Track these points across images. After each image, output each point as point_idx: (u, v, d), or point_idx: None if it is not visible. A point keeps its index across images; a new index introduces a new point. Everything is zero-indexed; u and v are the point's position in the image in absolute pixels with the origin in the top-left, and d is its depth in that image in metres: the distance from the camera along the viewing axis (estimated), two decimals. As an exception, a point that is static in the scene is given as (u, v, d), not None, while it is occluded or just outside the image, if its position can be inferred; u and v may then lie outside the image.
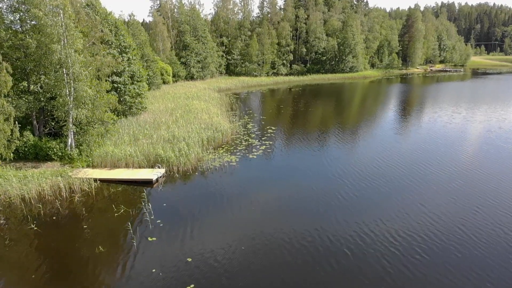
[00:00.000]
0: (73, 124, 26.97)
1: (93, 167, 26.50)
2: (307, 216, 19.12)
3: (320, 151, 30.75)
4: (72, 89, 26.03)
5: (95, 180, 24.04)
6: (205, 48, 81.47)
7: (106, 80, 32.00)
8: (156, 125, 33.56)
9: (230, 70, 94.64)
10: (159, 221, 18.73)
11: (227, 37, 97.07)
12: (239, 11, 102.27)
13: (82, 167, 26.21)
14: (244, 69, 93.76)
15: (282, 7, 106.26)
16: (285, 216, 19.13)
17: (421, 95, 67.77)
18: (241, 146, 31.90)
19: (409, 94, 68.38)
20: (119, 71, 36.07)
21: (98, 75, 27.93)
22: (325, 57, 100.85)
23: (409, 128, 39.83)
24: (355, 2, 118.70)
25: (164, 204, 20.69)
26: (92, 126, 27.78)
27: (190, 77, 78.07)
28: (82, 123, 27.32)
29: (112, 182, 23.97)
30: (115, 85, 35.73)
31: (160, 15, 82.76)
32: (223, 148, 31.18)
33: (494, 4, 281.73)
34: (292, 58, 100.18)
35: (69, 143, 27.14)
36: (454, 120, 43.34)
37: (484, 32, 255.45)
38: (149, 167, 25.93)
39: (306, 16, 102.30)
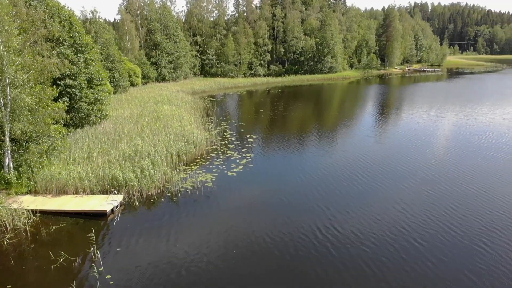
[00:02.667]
0: (11, 140, 21.84)
1: (36, 193, 21.43)
2: (299, 257, 14.87)
3: (306, 164, 26.53)
4: (8, 98, 20.91)
5: (35, 212, 19.06)
6: (177, 48, 76.30)
7: (54, 85, 26.88)
8: (117, 137, 28.55)
9: (205, 71, 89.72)
10: (109, 276, 14.03)
11: (201, 36, 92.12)
12: (214, 9, 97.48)
13: (22, 193, 21.11)
14: (220, 69, 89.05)
15: (258, 5, 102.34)
16: (272, 258, 14.81)
17: (399, 97, 64.96)
18: (218, 160, 27.37)
19: (388, 96, 65.42)
20: (74, 73, 30.86)
21: (42, 80, 22.81)
22: (303, 58, 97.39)
23: (387, 130, 38.41)
24: (333, 1, 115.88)
25: (118, 249, 15.96)
26: (36, 142, 22.66)
27: (162, 78, 72.76)
28: (21, 139, 22.18)
29: (56, 215, 19.05)
30: (69, 89, 30.48)
31: (128, 12, 76.98)
32: (196, 163, 26.57)
33: (466, 4, 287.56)
34: (270, 59, 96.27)
35: (6, 164, 21.93)
36: (429, 121, 42.08)
37: (457, 31, 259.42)
38: (103, 194, 21.08)
39: (283, 15, 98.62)
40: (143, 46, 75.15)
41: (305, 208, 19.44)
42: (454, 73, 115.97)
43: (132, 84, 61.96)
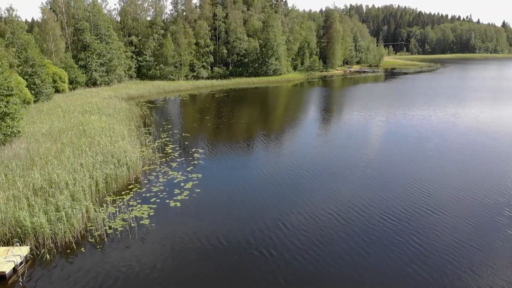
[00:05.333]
0: None
1: None
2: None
3: (259, 181, 22.88)
4: None
5: None
6: (109, 49, 69.38)
7: None
8: (28, 161, 22.94)
9: (142, 74, 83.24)
10: None
11: (137, 36, 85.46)
12: (150, 7, 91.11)
13: None
14: (158, 72, 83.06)
15: (198, 4, 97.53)
16: None
17: (341, 101, 63.92)
18: (158, 185, 22.83)
19: (331, 100, 64.46)
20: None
21: None
22: (247, 59, 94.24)
23: (329, 134, 38.72)
24: (274, 2, 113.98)
25: None
26: None
27: (92, 83, 65.66)
28: None
29: None
30: (-37, 103, 24.29)
31: (52, 10, 68.69)
32: (130, 191, 21.87)
33: (398, 6, 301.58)
34: (213, 60, 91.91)
35: None
36: (368, 123, 41.50)
37: (391, 33, 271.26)
38: (3, 245, 15.88)
39: (224, 15, 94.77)
40: (70, 48, 67.42)
41: (262, 247, 15.73)
42: (392, 73, 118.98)
43: (57, 91, 54.72)
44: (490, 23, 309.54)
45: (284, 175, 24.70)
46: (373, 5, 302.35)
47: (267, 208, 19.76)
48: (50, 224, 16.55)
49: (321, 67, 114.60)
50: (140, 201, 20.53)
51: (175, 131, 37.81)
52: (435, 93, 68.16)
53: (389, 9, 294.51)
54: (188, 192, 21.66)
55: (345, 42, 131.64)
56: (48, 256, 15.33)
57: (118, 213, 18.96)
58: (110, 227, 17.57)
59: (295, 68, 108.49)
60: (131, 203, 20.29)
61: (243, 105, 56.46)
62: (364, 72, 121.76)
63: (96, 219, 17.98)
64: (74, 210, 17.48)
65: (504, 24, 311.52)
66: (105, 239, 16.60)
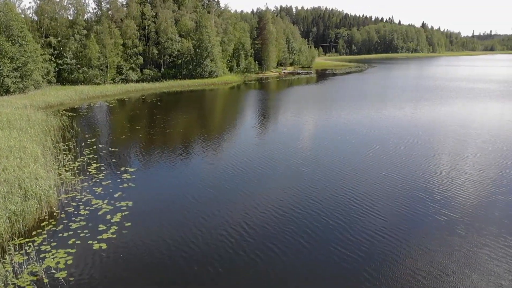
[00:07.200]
0: None
1: None
2: None
3: (203, 202, 19.99)
4: None
5: None
6: (24, 52, 61.48)
7: None
8: None
9: (63, 78, 75.51)
10: None
11: (56, 37, 77.39)
12: (70, 5, 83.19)
13: None
14: (82, 75, 75.92)
15: (125, 3, 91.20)
16: None
17: (276, 105, 63.41)
18: (78, 219, 18.91)
19: (267, 103, 63.34)
20: None
21: None
22: (180, 61, 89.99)
23: (266, 136, 38.56)
24: (207, 2, 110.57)
25: None
26: None
27: (5, 90, 57.62)
28: None
29: None
30: None
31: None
32: (42, 230, 17.77)
33: (326, 8, 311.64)
34: (143, 62, 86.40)
35: None
36: (304, 125, 40.49)
37: (320, 34, 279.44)
38: None
39: (154, 14, 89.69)
40: (-27, 50, 58.63)
41: None
42: (323, 74, 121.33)
43: (-44, 100, 46.89)
44: (411, 24, 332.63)
45: (234, 192, 22.06)
46: (302, 7, 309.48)
47: (213, 241, 16.89)
48: None
49: (257, 69, 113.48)
50: (55, 244, 16.61)
51: (100, 146, 33.35)
52: (365, 94, 69.79)
53: (318, 11, 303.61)
54: (116, 227, 18.05)
55: (278, 43, 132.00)
56: None
57: (25, 264, 14.97)
58: (14, 286, 13.62)
59: (231, 70, 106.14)
60: (43, 247, 16.31)
61: (179, 111, 52.75)
62: (298, 73, 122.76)
63: (-7, 278, 13.92)
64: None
65: (423, 25, 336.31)
66: (4, 308, 12.73)
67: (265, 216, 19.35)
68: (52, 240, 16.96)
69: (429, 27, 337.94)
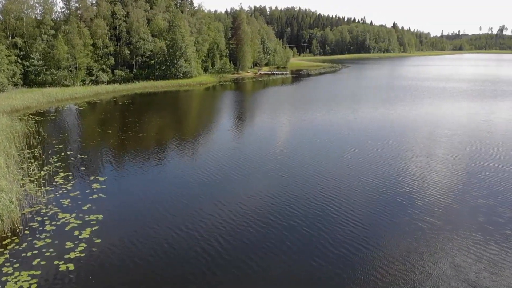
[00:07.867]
0: None
1: None
2: None
3: (179, 213, 19.00)
4: None
5: None
6: (-14, 52, 58.56)
7: None
8: None
9: (30, 80, 72.32)
10: None
11: (22, 37, 74.08)
12: (37, 4, 79.94)
13: None
14: (50, 77, 72.98)
15: (94, 1, 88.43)
16: None
17: (253, 106, 62.98)
18: (43, 236, 17.57)
19: (243, 104, 62.96)
20: None
21: None
22: (153, 61, 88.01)
23: (242, 138, 38.71)
24: (180, 1, 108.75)
25: None
26: None
27: (-36, 93, 54.69)
28: None
29: None
30: None
31: None
32: (3, 250, 16.33)
33: (299, 8, 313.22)
34: (114, 63, 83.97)
35: None
36: (280, 127, 39.90)
37: (294, 34, 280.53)
38: None
39: (125, 13, 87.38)
40: None
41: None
42: (298, 75, 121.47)
43: None
44: (382, 25, 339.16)
45: (209, 201, 21.09)
46: (276, 7, 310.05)
47: (186, 259, 15.95)
48: None
49: (232, 69, 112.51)
50: (17, 265, 15.26)
51: (69, 153, 31.67)
52: (341, 95, 70.08)
53: (291, 12, 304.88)
54: (84, 244, 16.82)
55: (253, 44, 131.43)
56: None
57: (-19, 291, 13.64)
58: (-34, 320, 12.32)
59: (206, 70, 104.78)
60: (4, 269, 14.95)
61: (152, 113, 51.22)
62: (273, 74, 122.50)
63: None
64: None
65: (394, 26, 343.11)
66: None
67: (241, 227, 18.46)
68: (14, 261, 15.60)
69: (400, 28, 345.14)
